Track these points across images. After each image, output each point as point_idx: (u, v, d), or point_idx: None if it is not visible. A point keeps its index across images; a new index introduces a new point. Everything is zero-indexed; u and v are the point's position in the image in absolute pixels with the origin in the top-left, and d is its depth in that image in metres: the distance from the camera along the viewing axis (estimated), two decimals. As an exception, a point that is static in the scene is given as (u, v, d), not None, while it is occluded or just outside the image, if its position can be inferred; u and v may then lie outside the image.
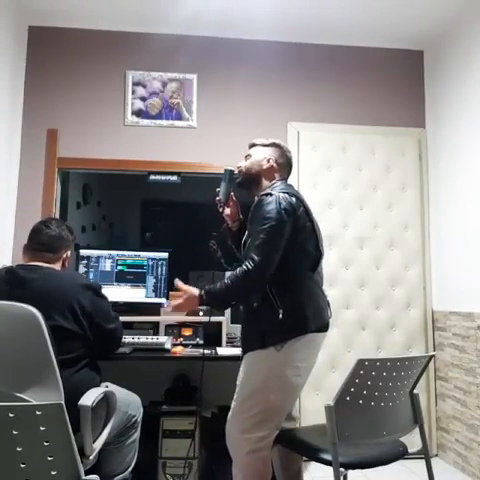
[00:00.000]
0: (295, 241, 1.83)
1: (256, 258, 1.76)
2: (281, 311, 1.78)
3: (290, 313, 1.79)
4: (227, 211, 2.15)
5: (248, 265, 1.76)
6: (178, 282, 1.94)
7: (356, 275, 3.22)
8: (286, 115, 3.32)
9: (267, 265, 1.77)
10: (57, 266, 1.95)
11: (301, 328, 1.80)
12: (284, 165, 2.07)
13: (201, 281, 2.77)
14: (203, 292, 1.85)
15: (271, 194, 1.86)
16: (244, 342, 1.93)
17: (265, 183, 2.01)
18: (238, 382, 1.89)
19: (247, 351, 1.89)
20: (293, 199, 1.85)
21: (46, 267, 1.87)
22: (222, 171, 2.16)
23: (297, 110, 3.34)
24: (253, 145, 2.11)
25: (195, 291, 1.88)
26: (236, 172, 2.11)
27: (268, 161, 2.03)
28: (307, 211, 1.90)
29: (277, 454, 1.99)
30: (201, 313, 2.75)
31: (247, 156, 2.09)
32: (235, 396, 1.88)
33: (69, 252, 2.04)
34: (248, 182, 2.05)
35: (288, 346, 1.79)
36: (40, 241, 1.93)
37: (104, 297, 1.96)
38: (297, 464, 2.03)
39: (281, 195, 1.85)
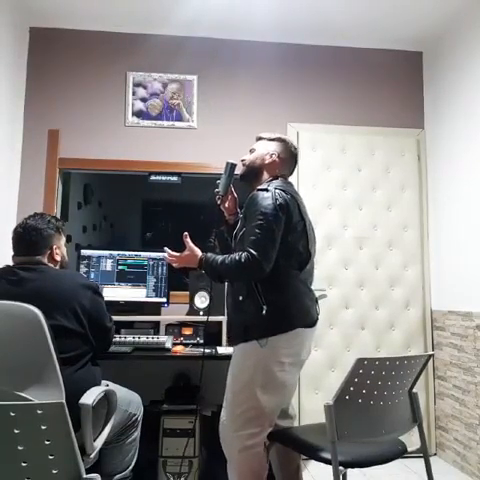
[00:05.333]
0: (285, 239, 1.83)
1: (254, 252, 1.75)
2: (265, 307, 1.79)
3: (274, 310, 1.80)
4: (225, 204, 2.16)
5: (246, 259, 1.76)
6: (187, 237, 1.99)
7: (355, 275, 3.23)
8: (286, 116, 3.32)
9: (265, 260, 1.76)
10: (47, 260, 1.92)
11: (284, 325, 1.81)
12: (287, 160, 2.06)
13: (201, 281, 2.78)
14: (204, 258, 1.90)
15: (267, 190, 1.86)
16: (229, 334, 1.96)
17: (266, 177, 2.02)
18: (227, 381, 1.90)
19: (232, 344, 1.92)
20: (288, 197, 1.86)
21: (43, 267, 1.87)
22: (222, 171, 2.15)
23: (297, 111, 3.35)
24: (259, 139, 2.12)
25: (198, 252, 1.94)
26: (240, 165, 2.11)
27: (271, 156, 2.03)
28: (301, 210, 1.91)
29: (275, 453, 1.99)
30: (201, 313, 2.77)
31: (251, 150, 2.10)
32: (225, 395, 1.90)
33: (60, 241, 2.00)
34: (250, 175, 2.06)
35: (272, 342, 1.80)
36: (21, 250, 1.91)
37: (102, 296, 1.97)
38: (295, 463, 2.04)
39: (277, 191, 1.85)
